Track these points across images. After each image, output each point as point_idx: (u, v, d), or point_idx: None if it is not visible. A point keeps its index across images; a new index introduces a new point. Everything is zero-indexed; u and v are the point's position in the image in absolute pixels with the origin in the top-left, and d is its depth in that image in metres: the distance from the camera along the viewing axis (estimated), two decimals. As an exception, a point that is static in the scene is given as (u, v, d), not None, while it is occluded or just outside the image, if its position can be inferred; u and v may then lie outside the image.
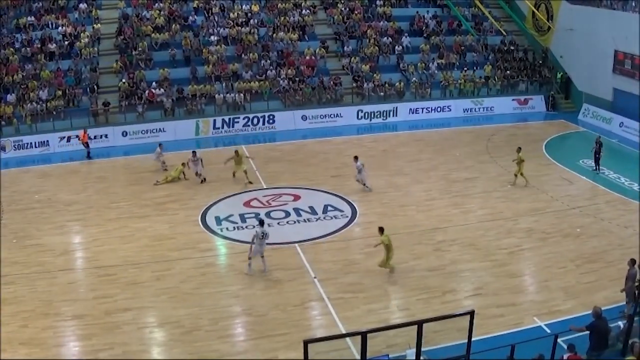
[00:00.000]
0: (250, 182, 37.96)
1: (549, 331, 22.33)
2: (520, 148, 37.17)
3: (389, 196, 35.39)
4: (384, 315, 24.09)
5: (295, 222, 32.44)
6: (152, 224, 33.02)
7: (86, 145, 45.88)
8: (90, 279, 28.34)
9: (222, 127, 49.19)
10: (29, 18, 55.77)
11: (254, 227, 30.62)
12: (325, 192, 36.25)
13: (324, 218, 32.86)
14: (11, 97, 49.88)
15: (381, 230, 27.11)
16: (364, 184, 36.25)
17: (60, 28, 54.95)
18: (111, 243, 30.51)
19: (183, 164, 39.09)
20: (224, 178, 38.77)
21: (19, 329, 24.61)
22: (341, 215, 33.06)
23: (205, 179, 38.64)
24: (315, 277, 26.42)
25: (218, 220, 33.13)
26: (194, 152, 39.65)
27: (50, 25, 55.48)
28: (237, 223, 32.67)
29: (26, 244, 32.00)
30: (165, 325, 24.22)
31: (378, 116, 51.57)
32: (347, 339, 21.00)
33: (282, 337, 22.69)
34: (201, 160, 39.05)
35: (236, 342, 23.17)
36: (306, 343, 13.28)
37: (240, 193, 36.69)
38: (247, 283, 26.45)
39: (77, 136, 46.55)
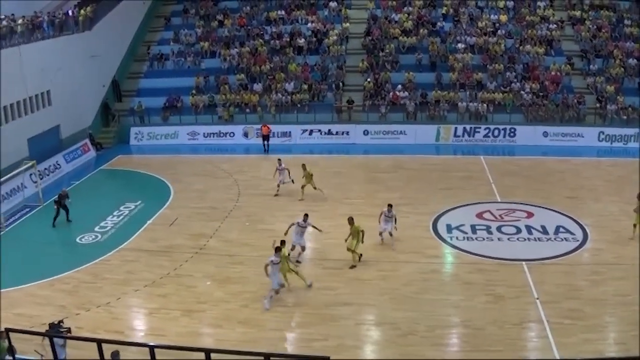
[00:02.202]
0: (302, 199, 37.67)
1: None
2: None
3: (621, 224, 33.85)
4: (600, 346, 23.18)
5: (525, 239, 31.63)
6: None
7: (266, 138, 47.40)
8: (315, 270, 29.22)
9: (463, 136, 48.92)
10: (279, 12, 58.56)
11: (483, 239, 30.64)
12: (559, 212, 35.16)
13: (555, 239, 31.77)
14: (258, 87, 52.27)
15: (350, 220, 29.20)
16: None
17: (309, 24, 57.07)
18: (340, 237, 30.98)
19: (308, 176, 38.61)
20: (459, 186, 38.70)
21: (239, 308, 26.00)
22: (572, 239, 31.85)
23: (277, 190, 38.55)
24: (537, 298, 25.77)
25: (449, 228, 32.98)
26: (279, 159, 39.28)
27: (299, 21, 57.86)
28: (467, 233, 32.36)
29: (258, 228, 33.60)
30: (382, 324, 24.51)
31: (619, 140, 49.13)
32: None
33: (495, 354, 22.23)
34: (288, 171, 38.65)
35: (449, 352, 23.02)
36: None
37: (475, 203, 36.26)
38: (469, 295, 26.17)
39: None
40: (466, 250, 30.48)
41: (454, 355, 22.78)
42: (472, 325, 24.08)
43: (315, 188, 37.81)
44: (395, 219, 30.93)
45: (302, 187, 37.98)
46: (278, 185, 38.52)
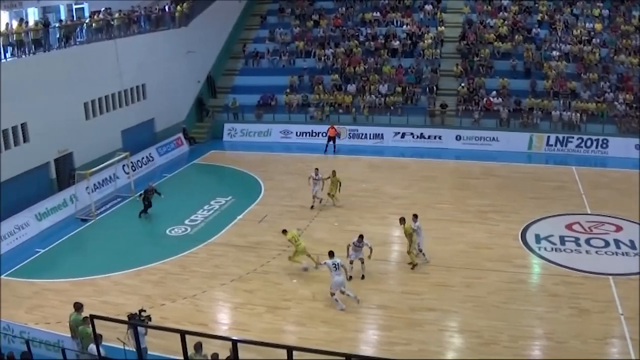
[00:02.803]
0: (320, 201, 37.44)
1: None
2: None
3: None
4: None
5: (613, 253, 30.99)
6: (471, 231, 33.37)
7: (332, 139, 47.93)
8: (401, 273, 29.47)
9: (555, 145, 48.13)
10: (374, 13, 58.58)
11: (571, 251, 30.42)
12: (649, 228, 34.59)
13: (643, 254, 31.39)
14: (352, 87, 52.52)
15: (402, 221, 29.63)
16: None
17: (404, 27, 56.97)
18: (429, 242, 31.16)
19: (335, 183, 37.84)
20: (549, 196, 38.25)
21: (324, 308, 26.43)
22: (661, 255, 31.40)
23: (319, 201, 37.63)
24: (622, 314, 25.48)
25: (538, 239, 32.61)
26: (316, 169, 38.12)
27: (394, 23, 58.00)
28: (555, 244, 31.93)
29: (346, 229, 33.75)
30: (465, 332, 24.53)
31: None
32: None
33: (577, 368, 22.07)
34: (323, 182, 37.50)
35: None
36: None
37: (565, 214, 35.68)
38: (553, 307, 25.89)
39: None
40: (554, 261, 30.12)
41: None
42: (555, 338, 23.88)
43: (330, 195, 37.41)
44: (371, 249, 28.60)
45: (329, 194, 37.55)
46: (314, 197, 37.56)
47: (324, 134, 50.89)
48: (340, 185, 37.35)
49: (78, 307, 22.21)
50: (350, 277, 28.16)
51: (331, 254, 26.72)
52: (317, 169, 37.73)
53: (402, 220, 29.78)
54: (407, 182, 40.85)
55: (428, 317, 25.34)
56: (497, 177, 42.21)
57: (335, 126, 50.06)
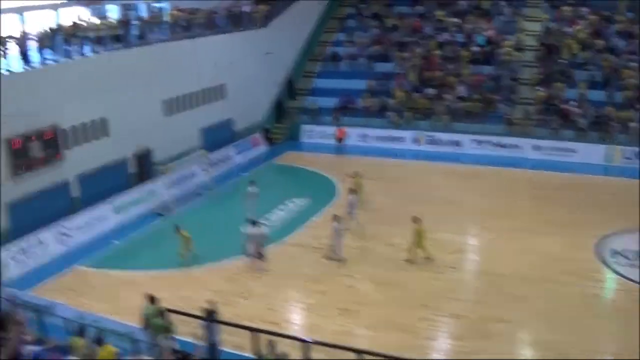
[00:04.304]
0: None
1: None
2: None
3: None
4: None
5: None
6: (546, 242, 32.76)
7: (340, 141, 48.47)
8: (475, 283, 29.43)
9: (632, 158, 47.13)
10: (454, 19, 58.01)
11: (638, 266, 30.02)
12: None
13: None
14: (430, 92, 52.30)
15: (415, 219, 30.45)
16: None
17: (484, 32, 56.30)
18: (503, 252, 31.01)
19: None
20: (626, 210, 36.89)
21: (397, 313, 26.41)
22: None
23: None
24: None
25: (613, 253, 31.89)
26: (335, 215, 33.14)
27: (474, 29, 57.04)
28: (630, 259, 31.16)
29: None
30: (535, 345, 24.39)
31: None
32: None
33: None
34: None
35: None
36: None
37: (641, 230, 35.16)
38: (625, 323, 25.01)
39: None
40: (628, 277, 29.48)
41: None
42: (625, 355, 23.35)
43: (352, 190, 36.42)
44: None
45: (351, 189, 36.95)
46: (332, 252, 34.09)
47: (402, 140, 51.05)
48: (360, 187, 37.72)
49: (151, 299, 22.63)
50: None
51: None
52: (336, 215, 32.48)
53: (416, 220, 30.33)
54: (484, 190, 40.55)
55: (499, 328, 25.14)
56: (573, 189, 41.55)
57: (344, 128, 51.07)
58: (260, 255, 30.72)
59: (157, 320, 21.06)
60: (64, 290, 28.44)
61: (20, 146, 32.97)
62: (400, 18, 61.12)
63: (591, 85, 51.11)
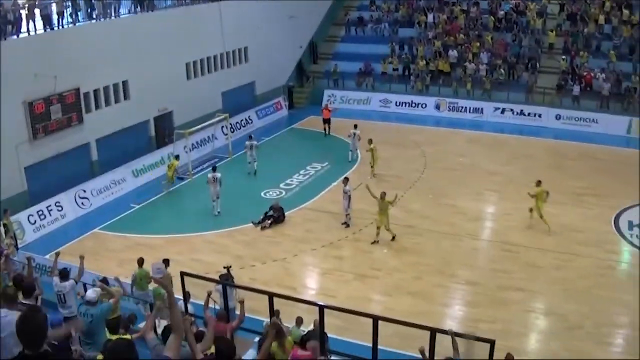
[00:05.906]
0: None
1: None
2: None
3: None
4: None
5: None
6: (564, 212, 32.63)
7: (327, 122, 46.59)
8: (492, 251, 29.54)
9: (654, 130, 46.56)
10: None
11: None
12: None
13: None
14: (452, 53, 52.09)
15: (383, 195, 29.67)
16: None
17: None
18: (521, 221, 31.03)
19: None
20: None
21: (412, 279, 26.71)
22: None
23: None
24: None
25: (630, 225, 31.77)
26: (346, 178, 33.39)
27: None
28: (646, 232, 31.23)
29: (441, 202, 33.90)
30: (550, 315, 24.45)
31: None
32: None
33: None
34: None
35: (612, 352, 22.48)
36: None
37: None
38: None
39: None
40: (644, 249, 29.41)
41: (617, 355, 22.28)
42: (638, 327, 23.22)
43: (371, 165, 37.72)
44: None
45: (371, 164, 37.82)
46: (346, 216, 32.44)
47: (424, 105, 51.06)
48: (374, 154, 37.62)
49: (140, 262, 23.40)
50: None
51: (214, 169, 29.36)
52: (347, 178, 33.25)
53: (383, 195, 29.74)
54: (505, 159, 40.44)
55: (515, 296, 25.30)
56: (594, 160, 41.24)
57: (330, 107, 48.73)
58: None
59: (158, 289, 21.19)
60: (83, 254, 28.72)
61: (42, 110, 33.15)
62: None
63: (616, 54, 50.38)
